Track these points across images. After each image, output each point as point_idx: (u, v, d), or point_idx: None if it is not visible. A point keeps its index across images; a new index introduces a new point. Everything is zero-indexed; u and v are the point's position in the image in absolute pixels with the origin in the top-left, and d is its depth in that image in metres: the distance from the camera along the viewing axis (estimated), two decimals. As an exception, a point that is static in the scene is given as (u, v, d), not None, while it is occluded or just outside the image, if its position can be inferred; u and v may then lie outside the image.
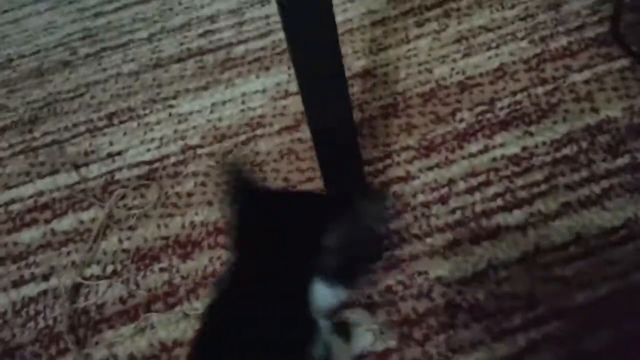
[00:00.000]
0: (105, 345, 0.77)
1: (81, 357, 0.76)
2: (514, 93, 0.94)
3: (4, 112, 1.14)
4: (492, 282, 0.74)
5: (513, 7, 1.08)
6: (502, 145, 0.88)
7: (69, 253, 0.88)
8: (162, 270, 0.83)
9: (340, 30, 1.11)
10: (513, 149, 0.87)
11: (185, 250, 0.85)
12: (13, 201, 0.98)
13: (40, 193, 0.98)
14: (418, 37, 1.07)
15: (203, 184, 0.93)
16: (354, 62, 1.05)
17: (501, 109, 0.92)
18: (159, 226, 0.89)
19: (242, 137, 0.98)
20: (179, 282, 0.82)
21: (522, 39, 1.02)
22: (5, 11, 1.40)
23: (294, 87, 1.03)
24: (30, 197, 0.98)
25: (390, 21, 1.11)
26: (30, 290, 0.85)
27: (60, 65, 1.21)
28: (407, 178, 0.87)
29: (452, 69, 1.00)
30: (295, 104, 1.00)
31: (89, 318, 0.80)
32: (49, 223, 0.93)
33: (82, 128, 1.07)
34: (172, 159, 0.97)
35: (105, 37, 1.26)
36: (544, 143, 0.87)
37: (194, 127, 1.02)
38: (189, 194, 0.92)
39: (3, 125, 1.12)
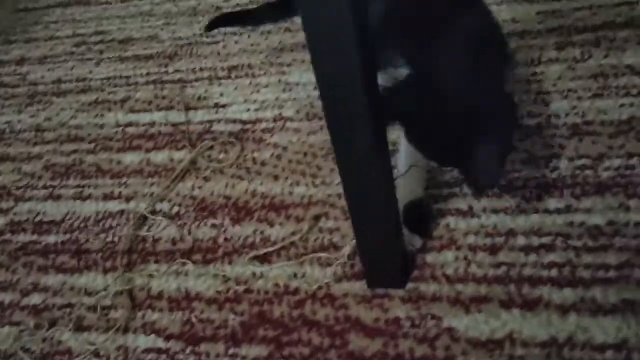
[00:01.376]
0: (145, 274, 0.87)
1: (124, 278, 0.87)
2: (631, 155, 0.81)
3: (154, 42, 1.28)
4: (503, 356, 0.68)
5: (680, 52, 0.90)
6: (587, 211, 0.77)
7: (152, 184, 0.99)
8: (213, 226, 0.90)
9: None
10: (597, 220, 0.76)
11: (239, 214, 0.90)
12: (130, 124, 1.11)
13: (152, 123, 1.10)
14: (552, 61, 0.95)
15: (278, 157, 0.96)
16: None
17: (606, 169, 0.80)
18: (227, 185, 0.95)
19: (331, 122, 0.98)
20: (221, 242, 0.88)
21: (672, 94, 0.86)
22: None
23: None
24: (144, 125, 1.10)
25: (530, 36, 1.00)
26: (113, 206, 0.98)
27: (212, 10, 1.31)
28: (466, 213, 0.81)
29: (573, 107, 0.88)
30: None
31: (143, 247, 0.90)
32: (148, 152, 1.05)
33: (205, 74, 1.16)
34: (263, 125, 1.02)
35: (258, -10, 1.32)
36: (636, 224, 0.74)
37: (294, 99, 1.05)
38: (263, 163, 0.96)
39: (150, 53, 1.25)
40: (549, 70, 0.94)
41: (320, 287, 0.78)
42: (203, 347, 0.77)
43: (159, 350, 0.78)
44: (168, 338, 0.79)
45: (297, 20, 1.20)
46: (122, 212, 0.96)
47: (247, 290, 0.81)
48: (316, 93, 1.04)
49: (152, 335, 0.80)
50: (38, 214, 1.00)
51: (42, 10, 1.49)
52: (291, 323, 0.76)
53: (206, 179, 0.97)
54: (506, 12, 1.06)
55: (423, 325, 0.72)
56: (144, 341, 0.79)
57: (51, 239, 0.96)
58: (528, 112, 0.89)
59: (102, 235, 0.94)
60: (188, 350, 0.77)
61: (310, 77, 1.07)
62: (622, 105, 0.87)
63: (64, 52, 1.34)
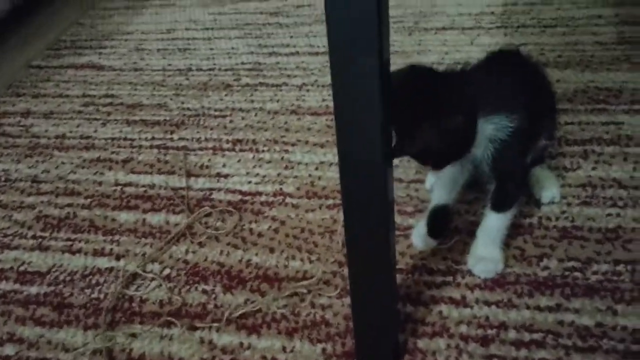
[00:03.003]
0: (128, 334, 0.84)
1: (103, 337, 0.84)
2: (617, 262, 0.84)
3: (163, 110, 1.32)
4: None
5: (662, 171, 0.97)
6: (576, 311, 0.79)
7: (145, 245, 0.98)
8: (204, 291, 0.89)
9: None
10: (586, 321, 0.77)
11: (231, 282, 0.90)
12: (130, 184, 1.12)
13: (152, 186, 1.11)
14: (543, 168, 1.01)
15: (275, 230, 0.97)
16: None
17: (595, 273, 0.83)
18: (221, 252, 0.95)
19: (330, 202, 1.01)
20: (211, 308, 0.86)
21: (656, 208, 0.91)
22: (206, 28, 1.62)
23: (400, 174, 1.04)
24: (144, 186, 1.11)
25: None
26: (102, 262, 0.96)
27: (222, 86, 1.37)
28: (459, 303, 0.82)
29: (563, 212, 0.93)
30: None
31: (129, 306, 0.88)
32: (144, 213, 1.05)
33: (210, 144, 1.19)
34: (263, 198, 1.04)
35: (267, 74, 1.39)
36: (623, 328, 0.76)
37: (295, 177, 1.08)
38: (260, 235, 0.97)
39: (157, 120, 1.29)
40: (540, 175, 0.99)
41: (309, 364, 0.77)
42: (181, 416, 0.73)
43: (134, 416, 0.74)
44: (145, 403, 0.75)
45: (305, 102, 1.26)
46: (111, 269, 0.95)
47: (233, 361, 0.79)
48: (317, 173, 1.07)
49: (128, 399, 0.76)
50: (23, 263, 0.98)
51: (55, 69, 1.53)
52: (276, 398, 0.74)
53: (201, 244, 0.97)
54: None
55: (412, 411, 0.71)
56: (118, 405, 0.76)
57: (34, 289, 0.93)
58: (521, 213, 0.93)
59: (88, 291, 0.92)
60: (165, 418, 0.73)
61: (312, 157, 1.11)
62: (609, 215, 0.91)
63: (71, 110, 1.37)
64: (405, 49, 1.39)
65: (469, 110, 0.75)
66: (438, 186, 0.91)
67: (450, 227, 0.92)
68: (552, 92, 0.94)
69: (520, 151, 0.82)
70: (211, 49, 1.52)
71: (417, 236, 0.91)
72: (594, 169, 1.00)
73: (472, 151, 0.79)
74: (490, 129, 0.78)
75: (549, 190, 0.94)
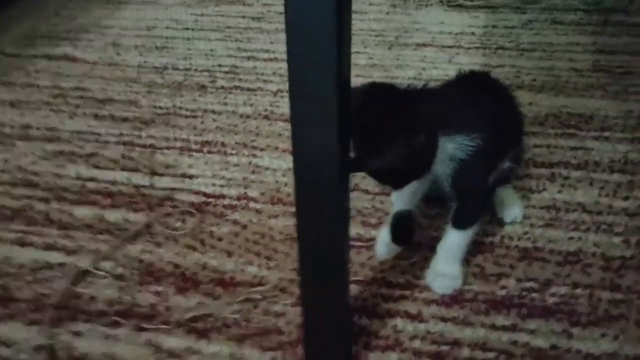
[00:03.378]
0: (72, 332, 0.81)
1: (46, 333, 0.81)
2: (575, 285, 0.83)
3: (133, 107, 1.29)
4: None
5: (626, 199, 0.97)
6: (531, 332, 0.78)
7: (100, 241, 0.95)
8: (156, 292, 0.86)
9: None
10: (541, 342, 0.76)
11: (185, 284, 0.87)
12: (92, 179, 1.09)
13: (114, 182, 1.08)
14: (510, 188, 1.00)
15: (235, 234, 0.95)
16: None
17: (552, 295, 0.83)
18: (178, 253, 0.92)
19: (294, 209, 0.99)
20: (161, 310, 0.84)
21: (618, 234, 0.91)
22: (186, 28, 1.60)
23: (367, 185, 1.03)
24: (105, 182, 1.08)
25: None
26: (53, 257, 0.93)
27: (196, 87, 1.35)
28: (415, 317, 0.81)
29: (525, 232, 0.92)
30: (361, 201, 0.99)
31: (77, 304, 0.85)
32: (103, 209, 1.02)
33: (178, 144, 1.17)
34: (226, 201, 1.02)
35: (244, 78, 1.37)
36: (577, 352, 0.75)
37: (261, 182, 1.06)
38: (219, 238, 0.95)
39: (126, 116, 1.26)
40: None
41: (257, 372, 0.75)
42: (118, 420, 0.70)
43: (69, 417, 0.71)
44: (82, 405, 0.72)
45: (279, 108, 1.25)
46: (61, 264, 0.92)
47: (179, 365, 0.76)
48: (284, 179, 1.06)
49: (65, 400, 0.73)
50: (-30, 252, 0.95)
51: (28, 59, 1.50)
52: (219, 406, 0.71)
53: (158, 244, 0.94)
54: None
55: None
56: (54, 405, 0.73)
57: (-22, 280, 0.90)
58: (484, 231, 0.92)
59: (35, 286, 0.89)
60: (101, 421, 0.70)
61: (280, 164, 1.10)
62: (571, 238, 0.91)
63: (39, 100, 1.33)
64: (384, 63, 1.38)
65: (429, 128, 0.74)
66: (399, 194, 0.90)
67: (414, 232, 0.91)
68: (520, 116, 0.94)
69: (481, 171, 0.82)
70: (189, 49, 1.50)
71: (381, 244, 0.89)
72: (559, 192, 0.99)
73: (433, 169, 0.78)
74: (451, 148, 0.77)
75: (512, 209, 0.93)
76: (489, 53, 1.40)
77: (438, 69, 1.35)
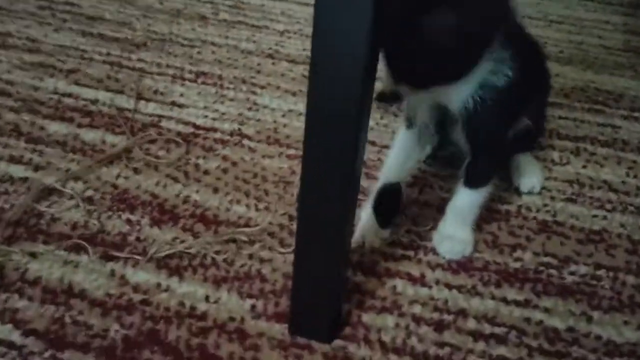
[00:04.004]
0: (27, 253, 0.71)
1: (0, 251, 0.70)
2: (598, 266, 0.75)
3: (126, 28, 1.18)
4: None
5: (656, 181, 0.88)
6: (546, 310, 0.69)
7: (71, 160, 0.85)
8: (128, 221, 0.76)
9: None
10: (557, 323, 0.68)
11: (161, 216, 0.77)
12: (70, 95, 0.98)
13: (95, 101, 0.97)
14: (530, 157, 0.91)
15: (224, 170, 0.85)
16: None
17: (572, 273, 0.74)
18: (158, 183, 0.82)
19: (292, 151, 0.89)
20: (131, 240, 0.74)
21: (645, 217, 0.82)
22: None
23: (375, 137, 0.93)
24: (85, 99, 0.97)
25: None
26: (17, 170, 0.82)
27: (197, 17, 1.23)
28: (417, 280, 0.71)
29: (545, 205, 0.83)
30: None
31: (37, 222, 0.75)
32: (79, 128, 0.91)
33: (170, 71, 1.06)
34: (217, 135, 0.92)
35: (249, 14, 1.26)
36: (597, 337, 0.66)
37: (258, 120, 0.95)
38: (206, 172, 0.85)
39: (117, 37, 1.14)
40: (526, 164, 0.90)
41: (232, 319, 0.65)
42: (67, 355, 0.61)
43: (11, 345, 0.61)
44: (27, 333, 0.62)
45: (284, 48, 1.14)
46: (25, 179, 0.81)
47: (144, 302, 0.66)
48: (283, 120, 0.95)
49: (9, 326, 0.63)
50: None
51: (15, -32, 1.37)
52: (186, 352, 0.62)
53: (137, 170, 0.84)
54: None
55: None
56: (-5, 330, 0.62)
57: None
58: (499, 198, 0.83)
59: (-8, 199, 0.78)
60: (47, 354, 0.61)
61: (281, 104, 0.99)
62: (595, 216, 0.82)
63: (24, 10, 1.21)
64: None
65: (480, 16, 0.59)
66: (389, 159, 0.79)
67: (401, 212, 0.79)
68: (547, 72, 0.83)
69: (504, 116, 0.70)
70: (194, -22, 1.38)
71: (363, 229, 0.75)
72: (584, 167, 0.91)
73: (450, 100, 0.66)
74: (488, 69, 0.63)
75: (529, 178, 0.84)
76: (515, 20, 1.30)
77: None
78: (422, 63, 0.60)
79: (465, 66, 0.62)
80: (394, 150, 0.79)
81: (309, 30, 1.21)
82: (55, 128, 0.91)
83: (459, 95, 0.66)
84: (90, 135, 0.90)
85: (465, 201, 0.74)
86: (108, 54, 1.09)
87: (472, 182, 0.73)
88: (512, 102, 0.68)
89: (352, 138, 0.53)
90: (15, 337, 0.62)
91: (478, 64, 0.62)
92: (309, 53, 1.09)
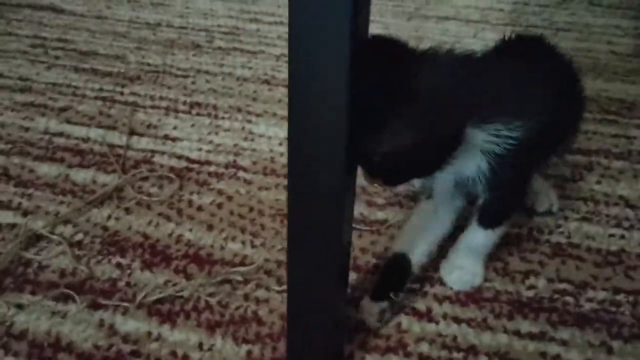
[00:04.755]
0: (10, 304, 0.68)
1: (-16, 305, 0.67)
2: (617, 291, 0.70)
3: (119, 62, 1.16)
4: None
5: (677, 195, 0.83)
6: (563, 343, 0.64)
7: (61, 203, 0.82)
8: (118, 265, 0.73)
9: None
10: (574, 356, 0.63)
11: (153, 258, 0.74)
12: (61, 134, 0.96)
13: (86, 139, 0.95)
14: (540, 174, 0.87)
15: (219, 205, 0.82)
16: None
17: (589, 300, 0.69)
18: (150, 222, 0.79)
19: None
20: (121, 286, 0.70)
21: (667, 235, 0.77)
22: (187, -13, 1.46)
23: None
24: (76, 138, 0.95)
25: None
26: (5, 217, 0.80)
27: (191, 46, 1.21)
28: (423, 315, 0.67)
29: (558, 226, 0.78)
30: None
31: (24, 271, 0.72)
32: (70, 168, 0.89)
33: (163, 103, 1.03)
34: (212, 168, 0.88)
35: (244, 40, 1.24)
36: (620, 370, 0.61)
37: (253, 150, 0.92)
38: (200, 208, 0.81)
39: (110, 71, 1.13)
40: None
41: (228, 368, 0.61)
42: (52, 416, 0.57)
43: (-7, 408, 0.58)
44: (11, 393, 0.59)
45: (281, 73, 1.12)
46: (13, 226, 0.78)
47: (134, 353, 0.63)
48: (279, 149, 0.92)
49: (-8, 385, 0.60)
50: None
51: (10, 7, 1.37)
52: (178, 407, 0.58)
53: (128, 211, 0.81)
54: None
55: None
56: (-22, 390, 0.59)
57: None
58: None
59: (-21, 247, 0.75)
60: (31, 416, 0.57)
61: (277, 131, 0.96)
62: (612, 235, 0.77)
63: (17, 49, 1.20)
64: (401, 34, 1.24)
65: (449, 114, 0.54)
66: (404, 227, 0.71)
67: (403, 288, 0.68)
68: (580, 98, 0.74)
69: (522, 168, 0.63)
70: (187, 7, 1.37)
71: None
72: (598, 182, 0.86)
73: (459, 168, 0.59)
74: (483, 139, 0.57)
75: (545, 196, 0.79)
76: (519, 30, 1.26)
77: (461, 43, 1.21)
78: (388, 169, 0.56)
79: (436, 163, 0.57)
80: (410, 218, 0.72)
81: (305, 53, 1.18)
82: (46, 170, 0.88)
83: (462, 174, 0.61)
84: (80, 176, 0.87)
85: (479, 241, 0.69)
86: (100, 89, 1.07)
87: (488, 223, 0.67)
88: (531, 155, 0.63)
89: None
90: (-1, 398, 0.59)
91: (452, 156, 0.57)
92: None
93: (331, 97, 0.45)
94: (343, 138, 0.47)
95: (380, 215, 0.80)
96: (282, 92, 1.07)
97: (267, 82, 1.10)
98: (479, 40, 1.21)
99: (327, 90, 0.45)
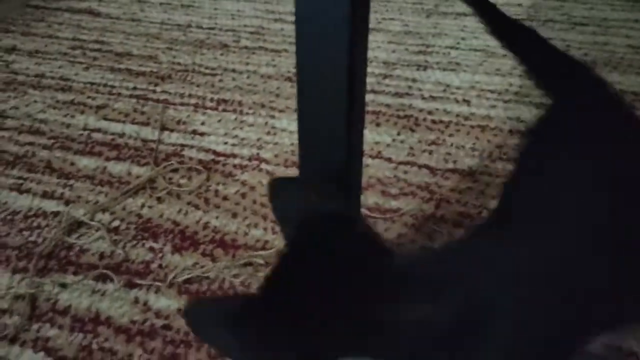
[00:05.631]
0: (57, 284, 0.75)
1: (30, 282, 0.75)
2: None
3: (152, 62, 1.23)
4: None
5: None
6: None
7: (99, 193, 0.89)
8: (151, 249, 0.80)
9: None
10: None
11: (182, 243, 0.80)
12: (99, 130, 1.03)
13: (122, 134, 1.02)
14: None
15: (243, 195, 0.88)
16: (463, 159, 0.92)
17: None
18: (180, 210, 0.85)
19: (308, 173, 0.91)
20: (154, 268, 0.77)
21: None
22: (215, -11, 1.53)
23: (391, 153, 0.94)
24: (113, 134, 1.02)
25: (532, 137, 0.96)
26: (49, 206, 0.87)
27: (219, 45, 1.28)
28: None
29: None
30: (376, 170, 0.90)
31: (66, 255, 0.79)
32: (107, 161, 0.96)
33: (192, 100, 1.10)
34: (237, 160, 0.94)
35: (268, 39, 1.30)
36: None
37: (276, 143, 0.98)
38: (225, 198, 0.87)
39: (143, 70, 1.20)
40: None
41: (249, 341, 0.67)
42: (94, 380, 0.64)
43: (42, 373, 0.65)
44: (58, 360, 0.66)
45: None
46: (56, 213, 0.86)
47: (166, 327, 0.69)
48: (301, 142, 0.97)
49: (42, 353, 0.67)
50: (-35, 195, 0.90)
51: (51, 11, 1.46)
52: (205, 375, 0.64)
53: (160, 200, 0.88)
54: (512, 111, 1.02)
55: None
56: (29, 357, 0.66)
57: (-31, 224, 0.85)
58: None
59: (26, 233, 0.83)
60: (75, 380, 0.64)
61: (298, 126, 1.01)
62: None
63: (57, 51, 1.28)
64: (420, 31, 1.28)
65: None
66: None
67: None
68: None
69: None
70: (215, 8, 1.43)
71: None
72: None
73: None
74: None
75: None
76: (536, 25, 1.27)
77: (479, 39, 1.24)
78: None
79: None
80: None
81: (326, 51, 1.23)
82: (85, 163, 0.96)
83: None
84: (117, 168, 0.94)
85: None
86: (134, 88, 1.14)
87: None
88: None
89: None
90: (46, 364, 0.66)
91: None
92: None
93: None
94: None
95: (394, 204, 0.85)
96: (304, 89, 1.12)
97: (289, 79, 1.15)
98: (496, 35, 1.24)
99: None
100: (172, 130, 1.02)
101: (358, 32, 0.50)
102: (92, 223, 0.83)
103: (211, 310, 0.43)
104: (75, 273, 0.76)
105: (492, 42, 1.23)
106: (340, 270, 0.41)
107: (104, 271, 0.76)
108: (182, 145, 0.99)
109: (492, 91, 1.08)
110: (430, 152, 0.94)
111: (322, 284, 0.41)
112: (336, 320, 0.39)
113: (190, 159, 0.95)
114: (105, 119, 1.06)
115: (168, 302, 0.72)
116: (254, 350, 0.40)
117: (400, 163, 0.92)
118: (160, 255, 0.79)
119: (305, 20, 0.49)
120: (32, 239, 0.82)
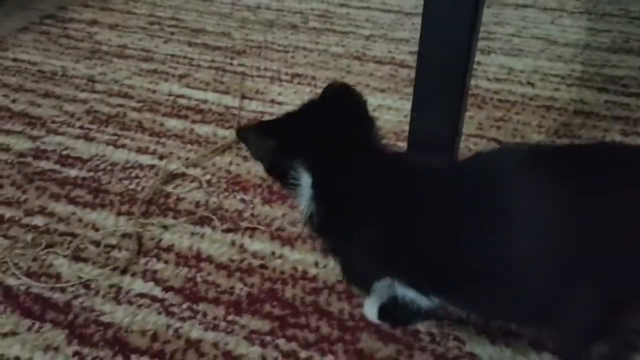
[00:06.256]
0: (158, 225, 0.82)
1: (137, 223, 0.82)
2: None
3: (226, 38, 1.30)
4: None
5: None
6: None
7: (190, 150, 0.96)
8: (242, 200, 0.86)
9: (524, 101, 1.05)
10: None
11: (271, 196, 0.87)
12: (183, 96, 1.10)
13: (205, 101, 1.09)
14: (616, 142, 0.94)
15: (324, 158, 0.94)
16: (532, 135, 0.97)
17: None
18: (265, 168, 0.92)
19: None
20: (247, 216, 0.83)
21: None
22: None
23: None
24: (196, 100, 1.09)
25: (596, 118, 1.01)
26: (145, 159, 0.95)
27: (288, 26, 1.34)
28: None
29: None
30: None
31: (165, 202, 0.86)
32: (194, 123, 1.03)
33: (268, 73, 1.17)
34: (315, 127, 1.01)
35: (336, 22, 1.36)
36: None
37: (351, 114, 1.04)
38: (307, 159, 0.93)
39: (219, 45, 1.27)
40: (611, 149, 0.93)
41: (340, 282, 0.73)
42: (202, 307, 0.70)
43: (154, 298, 0.72)
44: (167, 289, 0.73)
45: (370, 51, 1.23)
46: (152, 166, 0.93)
47: (262, 266, 0.76)
48: (374, 114, 1.03)
49: (151, 283, 0.74)
50: (67, 148, 0.97)
51: (126, -10, 1.54)
52: (302, 307, 0.70)
53: (246, 158, 0.94)
54: (575, 94, 1.07)
55: (444, 344, 0.66)
56: (140, 286, 0.73)
57: (73, 172, 0.92)
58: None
59: (126, 182, 0.90)
60: (185, 306, 0.71)
61: (371, 100, 1.07)
62: None
63: (136, 25, 1.36)
64: (482, 20, 1.33)
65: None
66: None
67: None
68: None
69: None
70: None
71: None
72: None
73: None
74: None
75: None
76: (595, 18, 1.33)
77: (539, 28, 1.29)
78: None
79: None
80: None
81: (392, 34, 1.30)
82: (173, 124, 1.03)
83: None
84: (203, 130, 1.01)
85: None
86: (213, 61, 1.21)
87: None
88: None
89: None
90: (157, 292, 0.72)
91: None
92: (394, 55, 1.19)
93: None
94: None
95: (466, 171, 0.90)
96: (372, 67, 1.18)
97: (358, 58, 1.21)
98: (556, 26, 1.29)
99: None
100: (251, 99, 1.09)
101: (475, 27, 0.58)
102: (187, 175, 0.90)
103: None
104: (175, 217, 0.83)
105: (553, 32, 1.28)
106: None
107: (204, 214, 0.83)
108: (262, 112, 1.05)
109: (555, 75, 1.13)
110: (499, 128, 0.99)
111: None
112: None
113: (271, 124, 1.02)
114: (187, 87, 1.13)
115: (262, 246, 0.79)
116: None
117: (470, 135, 0.97)
118: (251, 205, 0.85)
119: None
120: (131, 187, 0.89)
